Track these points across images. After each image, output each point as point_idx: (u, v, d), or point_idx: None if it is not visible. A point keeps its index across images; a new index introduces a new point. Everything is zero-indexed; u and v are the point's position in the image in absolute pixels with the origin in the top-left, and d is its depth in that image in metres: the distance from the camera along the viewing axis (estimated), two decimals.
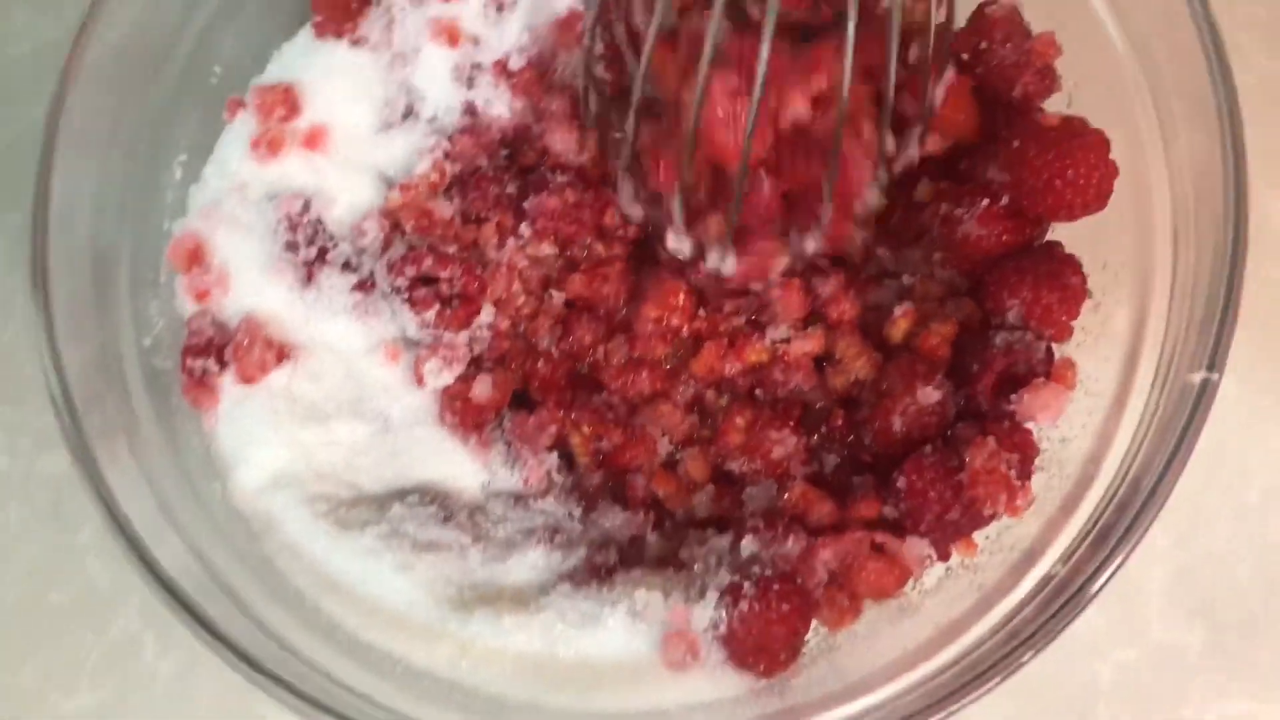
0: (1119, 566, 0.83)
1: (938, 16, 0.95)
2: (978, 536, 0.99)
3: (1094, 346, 1.02)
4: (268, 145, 1.08)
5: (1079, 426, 0.99)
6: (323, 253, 1.08)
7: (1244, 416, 1.19)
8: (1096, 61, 1.04)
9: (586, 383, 1.12)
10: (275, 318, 1.06)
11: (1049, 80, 1.04)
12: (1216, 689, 1.15)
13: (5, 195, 1.21)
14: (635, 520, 1.09)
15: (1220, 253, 0.88)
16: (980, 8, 1.06)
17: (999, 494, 0.94)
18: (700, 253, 1.02)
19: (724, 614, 0.97)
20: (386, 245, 1.09)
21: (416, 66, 1.12)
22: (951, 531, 0.98)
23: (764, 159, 0.98)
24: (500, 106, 1.13)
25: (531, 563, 1.03)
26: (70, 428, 0.92)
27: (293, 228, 1.07)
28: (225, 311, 1.06)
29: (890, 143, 0.99)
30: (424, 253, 1.06)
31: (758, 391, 1.10)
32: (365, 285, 1.08)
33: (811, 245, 1.01)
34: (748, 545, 1.01)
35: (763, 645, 0.96)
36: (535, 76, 1.12)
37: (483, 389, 1.08)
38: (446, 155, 1.11)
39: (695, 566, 1.03)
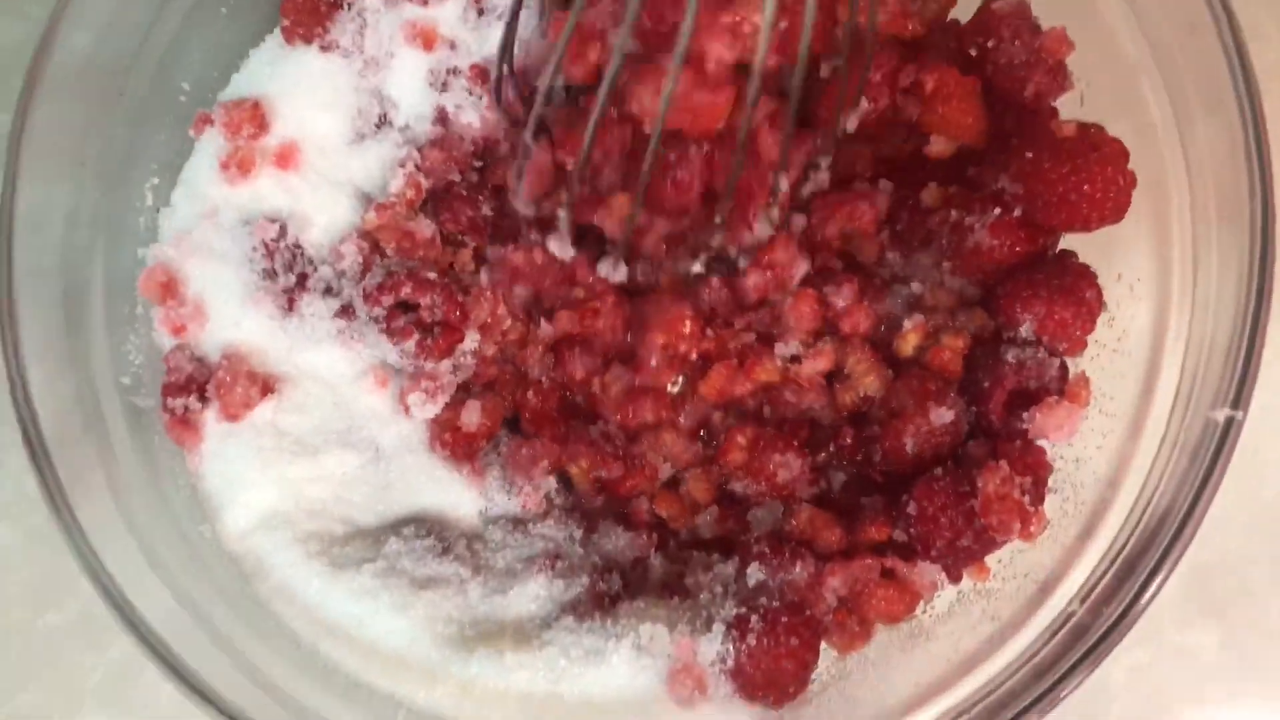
0: (1142, 610, 0.80)
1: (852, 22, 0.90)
2: (990, 560, 0.97)
3: (1109, 362, 0.98)
4: (237, 166, 1.02)
5: (1094, 448, 0.96)
6: (302, 279, 1.03)
7: (1260, 413, 1.15)
8: (1108, 55, 0.98)
9: (581, 411, 1.08)
10: (257, 349, 1.02)
11: (1061, 78, 0.98)
12: (1229, 691, 1.13)
13: None
14: (638, 541, 1.07)
15: (1244, 264, 0.84)
16: (986, 3, 1.00)
17: (1012, 521, 0.91)
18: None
19: (731, 648, 0.95)
20: (366, 268, 1.05)
21: (389, 72, 1.07)
22: (964, 557, 0.95)
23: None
24: (471, 114, 1.07)
25: (533, 594, 1.01)
26: (44, 470, 0.89)
27: (269, 254, 1.02)
28: (204, 345, 1.02)
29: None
30: (401, 279, 1.01)
31: (765, 410, 1.06)
32: (348, 310, 1.04)
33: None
34: (754, 573, 0.99)
35: (772, 679, 0.94)
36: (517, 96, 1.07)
37: (471, 417, 1.04)
38: (419, 168, 1.06)
39: (701, 596, 1.00)
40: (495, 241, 1.06)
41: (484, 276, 1.06)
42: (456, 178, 1.08)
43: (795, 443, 1.03)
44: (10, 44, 1.25)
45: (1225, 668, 1.14)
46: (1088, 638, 0.82)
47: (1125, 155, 0.92)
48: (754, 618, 0.95)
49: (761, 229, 0.97)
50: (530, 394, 1.07)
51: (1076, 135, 0.93)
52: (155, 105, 1.04)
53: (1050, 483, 0.96)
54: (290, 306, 1.03)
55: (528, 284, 1.04)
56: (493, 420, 1.07)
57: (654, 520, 1.08)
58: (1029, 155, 0.94)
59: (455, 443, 1.05)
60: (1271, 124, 0.85)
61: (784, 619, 0.95)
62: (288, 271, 1.03)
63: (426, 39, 1.05)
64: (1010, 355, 0.97)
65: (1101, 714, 1.15)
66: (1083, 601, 0.87)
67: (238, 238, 1.02)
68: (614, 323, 1.04)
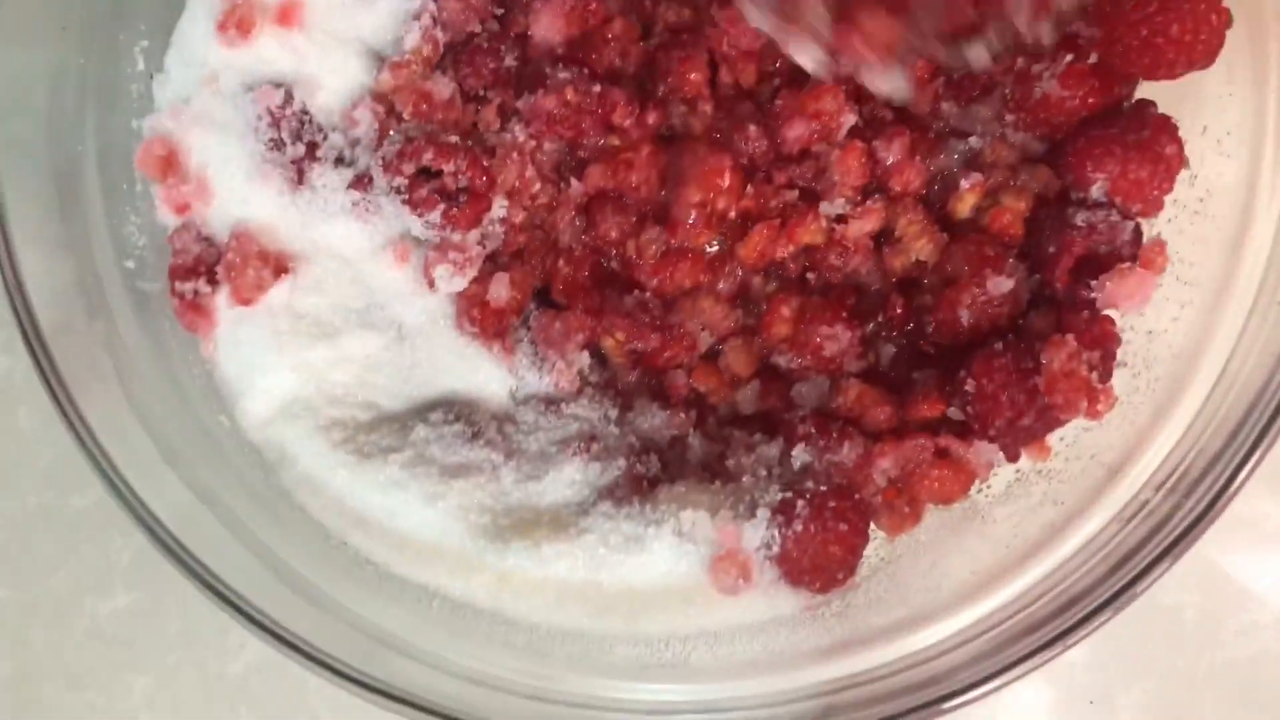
0: (1228, 502, 0.74)
1: None
2: (1052, 439, 0.91)
3: (1189, 224, 0.90)
4: (236, 26, 0.94)
5: (1169, 319, 0.89)
6: (312, 148, 0.96)
7: None
8: None
9: (616, 279, 1.01)
10: (267, 226, 0.96)
11: None
12: None
13: None
14: (676, 419, 1.01)
15: None
16: None
17: (1079, 399, 0.85)
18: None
19: (776, 534, 0.90)
20: (382, 134, 0.97)
21: None
22: (1024, 436, 0.89)
23: None
24: None
25: (568, 478, 0.96)
26: (44, 365, 0.86)
27: (275, 123, 0.95)
28: (211, 224, 0.96)
29: None
30: (422, 144, 0.94)
31: (809, 275, 0.99)
32: (363, 181, 0.97)
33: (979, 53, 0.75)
34: (799, 455, 0.93)
35: (819, 565, 0.90)
36: None
37: (500, 290, 0.98)
38: (435, 21, 0.97)
39: (744, 479, 0.95)
40: (522, 93, 0.98)
41: (515, 132, 0.98)
42: (477, 28, 0.99)
43: (844, 313, 0.96)
44: None
45: None
46: (1166, 529, 0.76)
47: None
48: (800, 503, 0.90)
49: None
50: (561, 262, 1.00)
51: None
52: None
53: (1120, 356, 0.89)
54: (300, 179, 0.96)
55: (564, 131, 0.96)
56: (523, 293, 1.00)
57: (692, 395, 1.02)
58: None
59: (484, 319, 0.99)
60: None
61: (831, 503, 0.90)
62: (296, 141, 0.96)
63: None
64: (1079, 218, 0.89)
65: None
66: (1157, 489, 0.81)
67: (240, 105, 0.95)
68: (649, 175, 0.97)
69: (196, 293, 0.94)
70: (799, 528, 0.90)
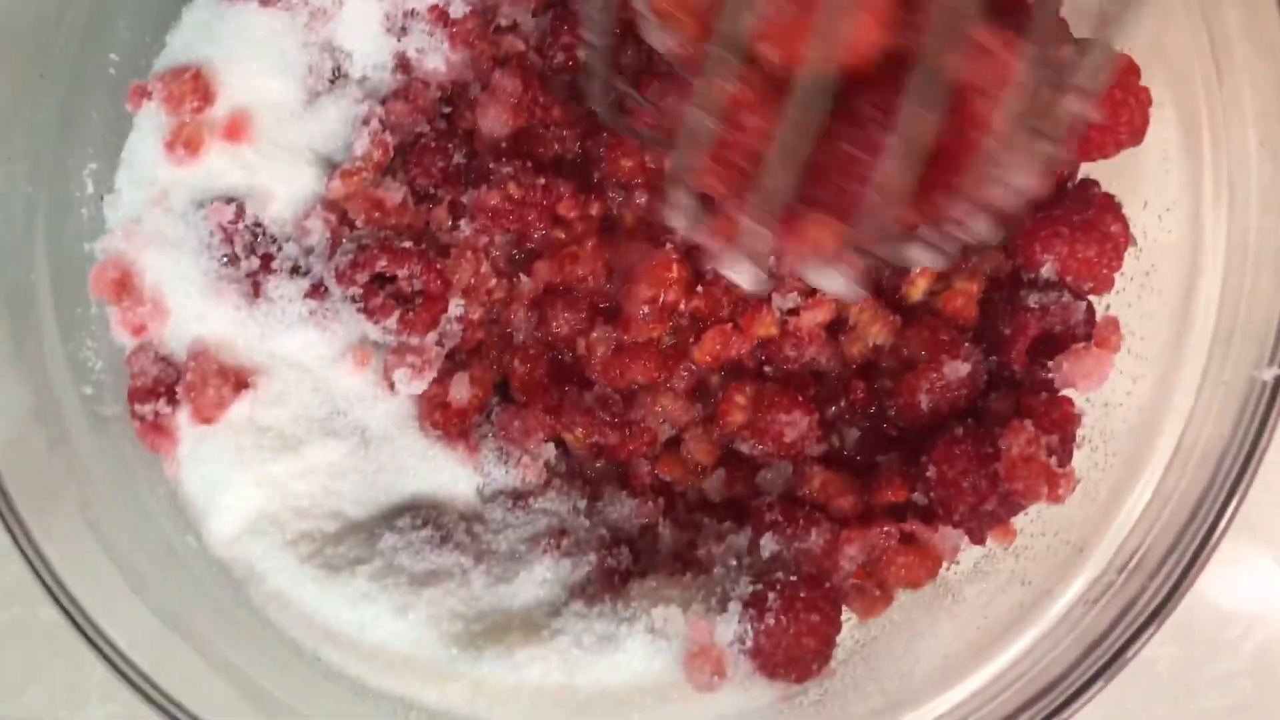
0: (1193, 580, 0.75)
1: None
2: (1017, 520, 0.92)
3: (1136, 298, 0.91)
4: (184, 144, 0.94)
5: (1123, 393, 0.90)
6: (267, 260, 0.96)
7: None
8: None
9: (574, 374, 1.01)
10: (225, 342, 0.96)
11: None
12: None
13: None
14: (645, 508, 1.01)
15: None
16: None
17: (1038, 485, 0.86)
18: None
19: (749, 628, 0.90)
20: (335, 242, 0.97)
21: (339, 22, 0.99)
22: (988, 521, 0.90)
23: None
24: (436, 58, 1.00)
25: (539, 577, 0.96)
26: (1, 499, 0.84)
27: (229, 238, 0.95)
28: (168, 343, 0.96)
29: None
30: (375, 252, 0.94)
31: (766, 368, 1.00)
32: (319, 289, 0.97)
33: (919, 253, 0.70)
34: (768, 544, 0.94)
35: (793, 657, 0.90)
36: (479, 27, 0.98)
37: (460, 391, 0.98)
38: (384, 126, 0.98)
39: (715, 570, 0.95)
40: (470, 187, 0.99)
41: (465, 229, 0.98)
42: (424, 128, 1.00)
43: (800, 399, 0.96)
44: None
45: None
46: (1133, 612, 0.77)
47: (1134, 70, 0.83)
48: (771, 595, 0.90)
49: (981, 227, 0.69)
50: (517, 361, 1.00)
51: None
52: (83, 81, 0.95)
53: (1078, 433, 0.90)
54: (256, 292, 0.96)
55: (509, 225, 0.96)
56: (484, 390, 1.00)
57: (658, 484, 1.03)
58: None
59: (446, 420, 0.99)
60: None
61: (802, 594, 0.90)
62: (250, 254, 0.96)
63: None
64: (1031, 299, 0.90)
65: None
66: (1120, 571, 0.82)
67: (192, 223, 0.95)
68: (595, 267, 0.97)
69: (157, 414, 0.94)
70: (771, 621, 0.89)
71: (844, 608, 0.94)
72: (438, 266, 0.96)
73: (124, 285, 0.94)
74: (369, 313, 0.95)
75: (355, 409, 0.99)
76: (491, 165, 0.97)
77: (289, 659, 0.92)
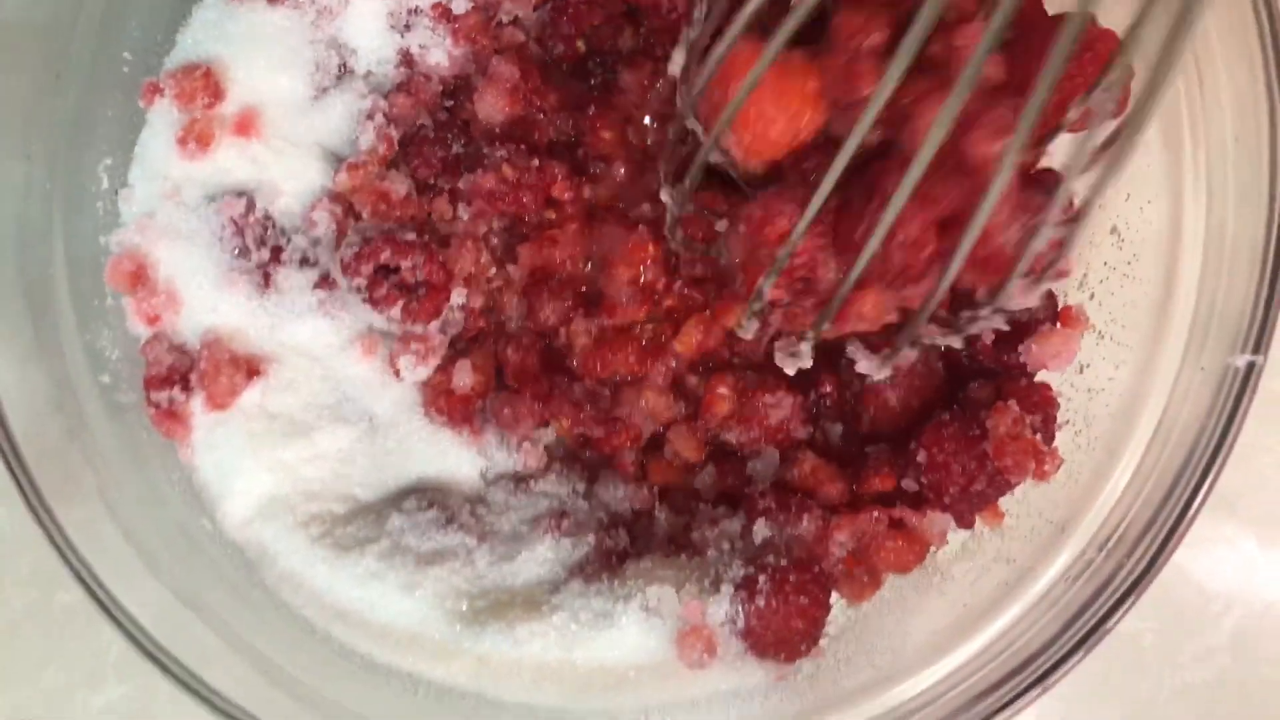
0: (1167, 559, 0.79)
1: None
2: (1003, 501, 0.95)
3: (1118, 287, 0.94)
4: (196, 140, 0.97)
5: (1105, 379, 0.93)
6: (276, 252, 0.99)
7: None
8: None
9: (565, 365, 1.03)
10: (237, 331, 0.99)
11: None
12: None
13: None
14: (640, 495, 1.05)
15: (1261, 209, 0.79)
16: None
17: (1026, 461, 0.89)
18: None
19: (740, 609, 0.93)
20: (340, 234, 1.00)
21: (344, 19, 1.01)
22: (977, 502, 0.93)
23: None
24: (439, 53, 1.02)
25: (541, 556, 0.99)
26: (24, 485, 0.87)
27: (239, 231, 0.98)
28: (182, 332, 0.99)
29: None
30: (379, 244, 0.97)
31: (735, 360, 1.02)
32: (328, 280, 1.00)
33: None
34: (760, 530, 0.97)
35: (782, 638, 0.93)
36: (481, 23, 1.01)
37: (463, 378, 1.01)
38: (388, 119, 1.01)
39: (708, 553, 0.99)
40: (467, 173, 1.01)
41: (464, 217, 1.01)
42: (426, 121, 1.02)
43: (781, 380, 0.99)
44: None
45: None
46: (1110, 587, 0.81)
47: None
48: (762, 578, 0.93)
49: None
50: (510, 349, 1.03)
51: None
52: (97, 79, 0.98)
53: (1061, 416, 0.93)
54: (267, 283, 0.99)
55: (504, 208, 0.99)
56: (486, 377, 1.03)
57: (643, 474, 1.05)
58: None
59: (450, 406, 1.02)
60: None
61: (792, 577, 0.93)
62: (260, 246, 0.99)
63: None
64: None
65: None
66: (1100, 549, 0.85)
67: (204, 216, 0.98)
68: (573, 251, 1.00)
69: (172, 401, 0.97)
70: (761, 602, 0.92)
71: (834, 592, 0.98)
72: (439, 258, 0.99)
73: (139, 277, 0.97)
74: (374, 303, 0.98)
75: (364, 396, 1.03)
76: (485, 150, 1.00)
77: (301, 637, 0.96)
